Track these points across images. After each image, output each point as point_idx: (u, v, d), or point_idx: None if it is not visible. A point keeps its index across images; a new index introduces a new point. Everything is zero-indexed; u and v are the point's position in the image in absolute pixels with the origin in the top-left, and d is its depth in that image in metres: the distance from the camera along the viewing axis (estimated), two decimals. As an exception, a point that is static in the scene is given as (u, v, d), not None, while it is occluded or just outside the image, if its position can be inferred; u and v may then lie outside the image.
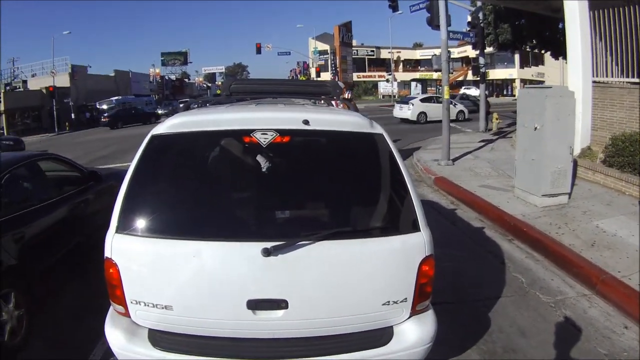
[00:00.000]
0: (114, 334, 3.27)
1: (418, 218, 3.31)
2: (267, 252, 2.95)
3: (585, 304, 5.65)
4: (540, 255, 7.12)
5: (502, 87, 70.30)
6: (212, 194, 3.45)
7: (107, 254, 3.19)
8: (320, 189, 3.49)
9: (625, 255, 6.56)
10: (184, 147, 3.56)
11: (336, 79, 18.85)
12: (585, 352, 4.65)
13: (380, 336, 3.29)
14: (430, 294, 3.40)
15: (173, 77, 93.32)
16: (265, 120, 3.56)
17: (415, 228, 3.28)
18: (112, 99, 56.72)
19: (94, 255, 3.76)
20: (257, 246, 2.97)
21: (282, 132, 3.40)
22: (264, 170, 3.38)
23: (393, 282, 3.25)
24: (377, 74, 77.98)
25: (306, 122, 3.47)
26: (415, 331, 3.31)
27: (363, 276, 3.18)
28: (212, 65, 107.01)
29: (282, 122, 3.53)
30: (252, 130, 3.38)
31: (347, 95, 18.31)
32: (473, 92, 57.36)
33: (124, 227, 3.18)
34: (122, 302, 3.20)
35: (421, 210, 3.35)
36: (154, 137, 3.53)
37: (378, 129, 3.67)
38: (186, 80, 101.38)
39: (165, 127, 3.57)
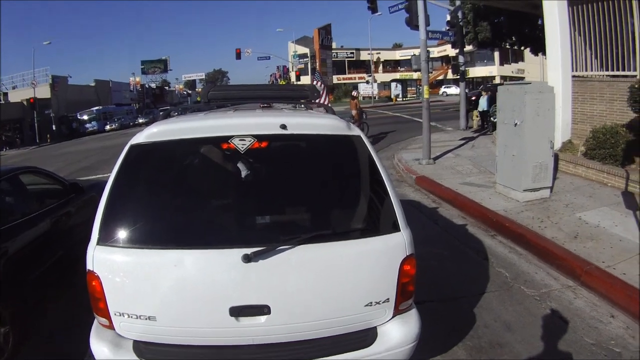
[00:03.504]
0: (99, 346, 3.26)
1: (398, 218, 3.34)
2: (247, 259, 2.97)
3: (571, 295, 5.67)
4: (524, 249, 7.15)
5: (482, 84, 70.84)
6: (192, 201, 3.45)
7: (89, 266, 3.18)
8: (299, 193, 3.50)
9: (609, 246, 6.61)
10: (163, 155, 3.55)
11: (319, 84, 19.47)
12: (572, 342, 4.66)
13: (364, 337, 3.31)
14: (412, 293, 3.42)
15: (153, 85, 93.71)
16: (242, 126, 3.56)
17: (395, 228, 3.32)
18: (92, 109, 56.81)
19: (78, 268, 3.72)
20: (238, 253, 2.99)
21: (259, 138, 3.42)
22: (243, 176, 3.44)
23: (375, 283, 3.27)
24: (357, 75, 78.08)
25: (284, 126, 3.48)
26: (399, 331, 3.34)
27: (345, 278, 3.20)
28: (192, 72, 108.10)
29: (259, 127, 3.54)
30: (230, 137, 3.40)
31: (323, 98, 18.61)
32: (453, 90, 57.96)
33: (105, 238, 3.18)
34: (106, 314, 3.19)
35: (401, 210, 3.39)
36: (132, 147, 3.52)
37: (355, 131, 3.70)
38: (166, 88, 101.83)
39: (144, 136, 3.56)
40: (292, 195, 3.49)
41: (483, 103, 21.74)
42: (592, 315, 5.19)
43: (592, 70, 12.24)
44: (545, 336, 4.80)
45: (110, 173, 3.44)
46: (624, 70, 11.32)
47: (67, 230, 6.43)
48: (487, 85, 33.26)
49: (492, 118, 19.65)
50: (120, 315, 3.15)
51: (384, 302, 3.27)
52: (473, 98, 26.13)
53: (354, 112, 20.70)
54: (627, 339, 4.72)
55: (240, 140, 3.39)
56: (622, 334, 4.79)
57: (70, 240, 6.29)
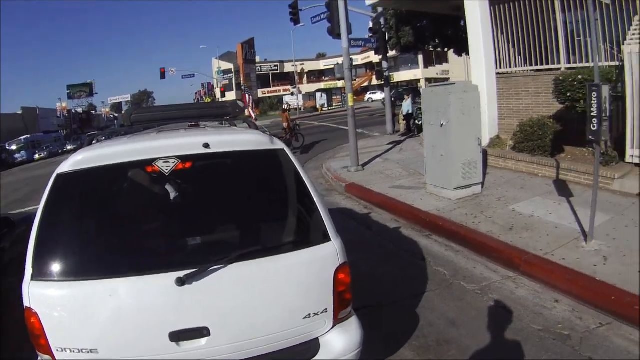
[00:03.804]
0: None
1: (327, 228, 3.45)
2: (181, 282, 3.00)
3: (512, 285, 5.74)
4: (460, 246, 7.21)
5: (396, 88, 72.40)
6: (122, 228, 3.44)
7: (25, 303, 3.12)
8: (228, 211, 3.56)
9: (545, 234, 6.76)
10: (90, 183, 3.52)
11: (249, 98, 20.85)
12: (520, 331, 4.70)
13: (307, 349, 3.37)
14: (350, 301, 3.51)
15: (80, 110, 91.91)
16: (165, 147, 3.56)
17: (325, 238, 3.42)
18: (21, 138, 55.08)
19: (17, 306, 3.47)
20: (171, 276, 3.02)
21: (183, 159, 3.46)
22: (171, 198, 3.45)
23: (311, 295, 3.35)
24: (281, 88, 78.31)
25: (206, 145, 3.53)
26: (341, 340, 3.42)
27: (280, 292, 3.27)
28: (118, 95, 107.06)
29: (182, 148, 3.56)
30: (154, 160, 3.43)
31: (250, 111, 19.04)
32: (378, 96, 59.08)
33: (39, 273, 3.14)
34: (48, 351, 3.13)
35: (329, 220, 3.50)
36: (58, 176, 3.48)
37: (279, 145, 3.80)
38: (93, 112, 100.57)
39: (69, 164, 3.51)
40: (221, 213, 3.54)
41: (406, 106, 22.15)
42: (535, 302, 5.27)
43: (516, 67, 12.82)
44: (491, 328, 4.82)
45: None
46: (547, 64, 11.88)
47: (3, 268, 6.12)
48: (399, 89, 33.87)
49: (416, 121, 20.03)
50: (62, 350, 3.09)
51: (322, 312, 3.34)
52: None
53: (285, 124, 21.35)
54: (574, 320, 4.82)
55: (164, 162, 3.41)
56: (569, 317, 4.89)
57: (7, 278, 5.92)
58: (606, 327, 4.66)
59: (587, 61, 10.76)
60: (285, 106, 24.26)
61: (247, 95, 21.42)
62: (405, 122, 22.18)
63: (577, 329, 4.64)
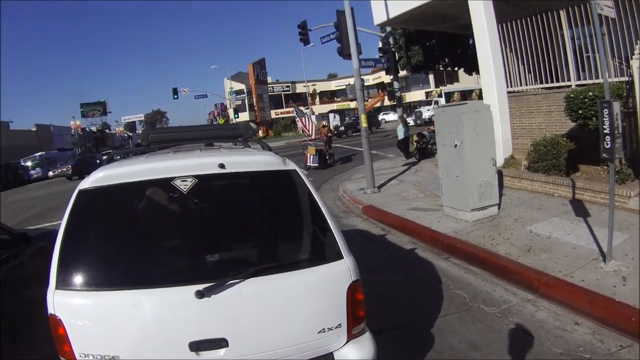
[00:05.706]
0: None
1: (340, 246, 3.58)
2: (200, 294, 3.15)
3: (532, 308, 5.75)
4: (479, 268, 7.22)
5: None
6: (143, 243, 3.62)
7: (50, 310, 3.29)
8: (244, 228, 3.73)
9: (563, 255, 6.77)
10: (111, 199, 3.72)
11: (308, 119, 22.62)
12: (540, 354, 4.71)
13: None
14: (363, 317, 3.62)
15: (94, 128, 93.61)
16: (183, 167, 3.76)
17: (338, 256, 3.55)
18: (35, 155, 55.41)
19: (33, 319, 3.65)
20: (191, 289, 3.16)
21: (200, 178, 3.65)
22: (190, 216, 3.75)
23: (325, 310, 3.48)
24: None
25: (222, 165, 3.71)
26: (355, 355, 3.52)
27: (295, 307, 3.40)
28: (131, 114, 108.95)
29: (199, 167, 3.74)
30: (172, 178, 3.63)
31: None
32: (391, 117, 59.02)
33: (63, 283, 3.31)
34: (72, 356, 3.27)
35: (342, 238, 3.63)
36: (80, 192, 3.67)
37: (291, 166, 4.00)
38: (107, 131, 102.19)
39: (91, 181, 3.71)
40: (237, 231, 3.70)
41: (400, 131, 21.71)
42: (556, 325, 5.28)
43: (526, 85, 12.86)
44: (512, 351, 4.83)
45: (58, 221, 3.59)
46: (557, 81, 11.91)
47: (20, 281, 6.14)
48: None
49: (421, 145, 20.06)
50: (85, 356, 3.23)
51: (336, 327, 3.45)
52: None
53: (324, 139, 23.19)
54: (595, 343, 4.81)
55: (182, 181, 3.60)
56: (590, 340, 4.89)
57: (25, 292, 6.03)
58: (627, 349, 4.67)
59: (597, 77, 10.78)
60: (324, 122, 28.36)
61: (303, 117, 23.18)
62: (403, 147, 21.75)
63: (599, 352, 4.64)
